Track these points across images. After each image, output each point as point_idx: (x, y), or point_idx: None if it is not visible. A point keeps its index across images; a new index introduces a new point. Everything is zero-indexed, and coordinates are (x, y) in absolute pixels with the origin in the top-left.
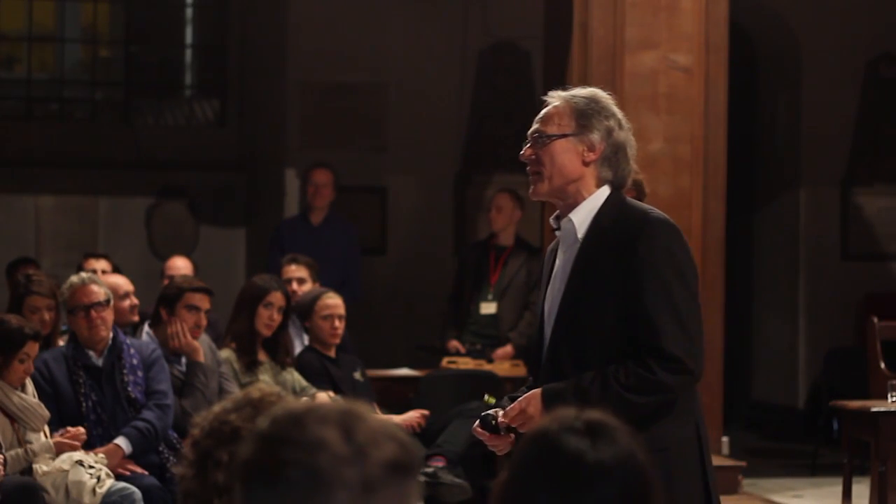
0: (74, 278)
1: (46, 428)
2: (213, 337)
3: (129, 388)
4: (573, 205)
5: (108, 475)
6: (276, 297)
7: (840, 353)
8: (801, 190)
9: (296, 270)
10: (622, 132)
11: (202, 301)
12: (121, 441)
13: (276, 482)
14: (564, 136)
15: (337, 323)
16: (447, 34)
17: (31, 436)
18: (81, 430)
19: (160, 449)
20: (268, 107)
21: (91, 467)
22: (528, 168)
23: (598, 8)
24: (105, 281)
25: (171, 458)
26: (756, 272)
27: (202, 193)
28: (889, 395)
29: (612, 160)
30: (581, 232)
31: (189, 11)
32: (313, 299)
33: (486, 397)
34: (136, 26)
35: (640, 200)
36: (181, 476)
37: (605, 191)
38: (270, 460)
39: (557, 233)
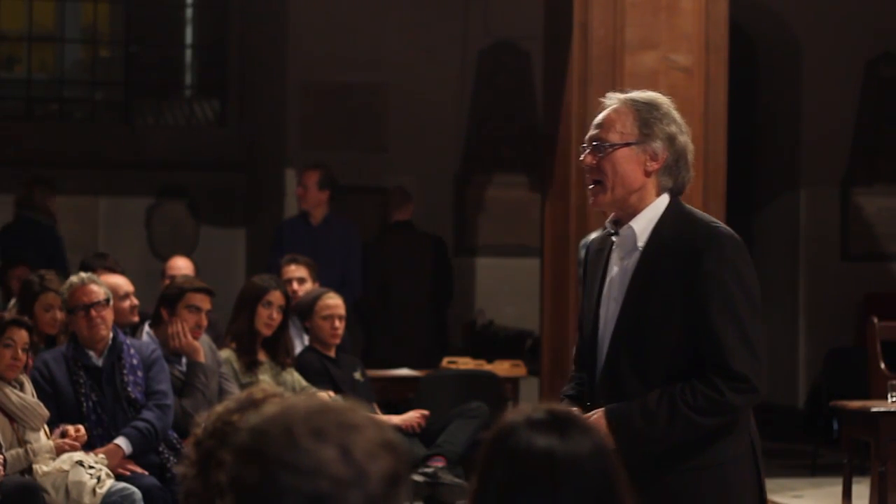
0: (74, 278)
1: (46, 428)
2: (213, 337)
3: (129, 389)
4: (633, 213)
5: (108, 475)
6: (276, 296)
7: (840, 353)
8: (801, 190)
9: (296, 270)
10: (683, 137)
11: (203, 301)
12: (121, 441)
13: None
14: (627, 144)
15: (337, 323)
16: (447, 34)
17: (31, 436)
18: (81, 429)
19: (160, 449)
20: (268, 107)
21: (91, 467)
22: (587, 175)
23: (598, 8)
24: (105, 281)
25: (172, 458)
26: (756, 272)
27: (202, 193)
28: (889, 395)
29: (674, 168)
30: (641, 241)
31: (189, 11)
32: (314, 299)
33: None
34: (136, 26)
35: None
36: (183, 476)
37: (664, 199)
38: (268, 485)
39: (615, 238)
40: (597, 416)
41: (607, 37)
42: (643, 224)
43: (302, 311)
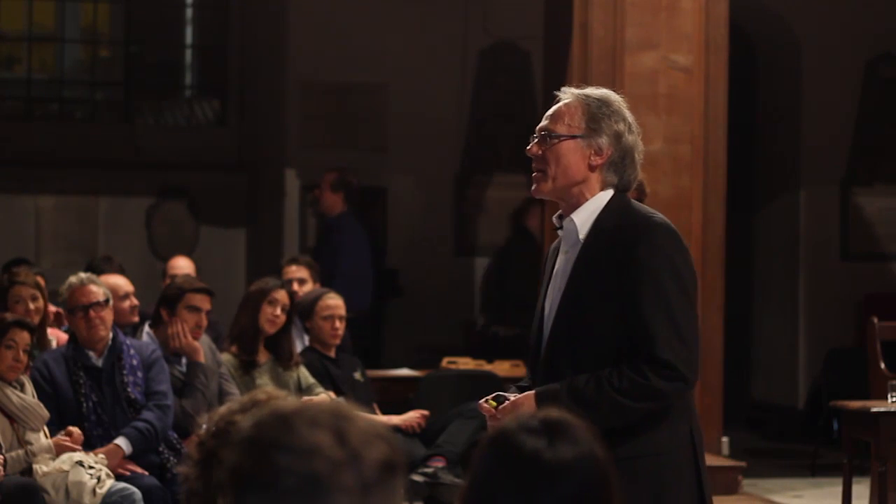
0: (73, 278)
1: (46, 428)
2: (213, 337)
3: (129, 389)
4: (575, 205)
5: (108, 475)
6: (281, 295)
7: (840, 353)
8: (801, 190)
9: (296, 271)
10: (631, 136)
11: (203, 302)
12: (121, 441)
13: (271, 490)
14: (573, 137)
15: (337, 323)
16: (447, 34)
17: (31, 436)
18: (78, 431)
19: (160, 449)
20: (268, 107)
21: (91, 468)
22: (532, 164)
23: (598, 8)
24: (105, 281)
25: (172, 458)
26: (756, 272)
27: (202, 193)
28: (889, 395)
29: (619, 165)
30: (583, 233)
31: (189, 11)
32: (314, 300)
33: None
34: (136, 26)
35: (640, 201)
36: (185, 476)
37: (608, 192)
38: (265, 468)
39: (559, 232)
40: (527, 396)
41: (607, 37)
42: (584, 216)
43: (303, 312)
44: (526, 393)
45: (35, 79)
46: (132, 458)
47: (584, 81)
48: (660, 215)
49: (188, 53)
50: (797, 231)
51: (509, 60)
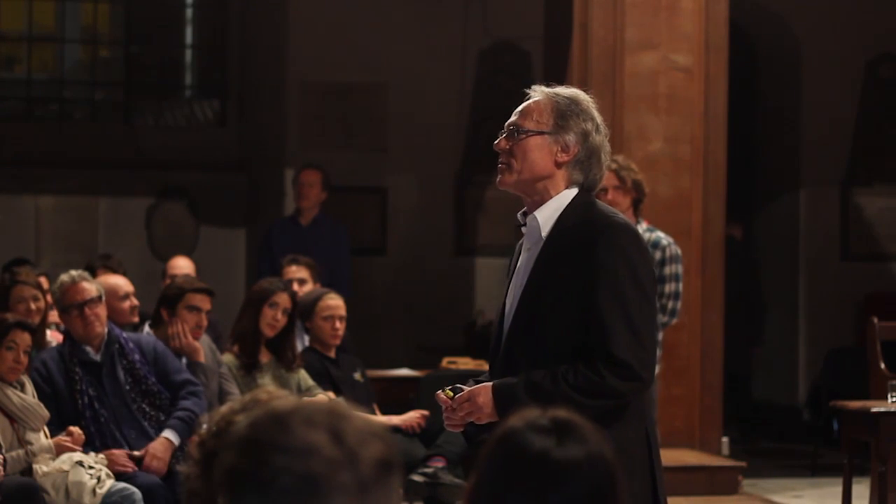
0: (65, 277)
1: (46, 428)
2: (213, 337)
3: (150, 382)
4: (539, 202)
5: (108, 475)
6: (282, 298)
7: (840, 353)
8: (801, 190)
9: (296, 271)
10: (598, 136)
11: (203, 301)
12: (169, 434)
13: (268, 490)
14: (540, 133)
15: (338, 324)
16: (447, 34)
17: (31, 436)
18: (78, 431)
19: None
20: (268, 107)
21: (91, 468)
22: (499, 158)
23: (598, 8)
24: (105, 281)
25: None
26: (756, 272)
27: (202, 193)
28: (889, 395)
29: (585, 164)
30: (545, 231)
31: (189, 11)
32: (314, 300)
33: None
34: (136, 26)
35: (640, 201)
36: (186, 476)
37: (572, 191)
38: (261, 468)
39: (523, 229)
40: (484, 387)
41: (607, 37)
42: (548, 214)
43: (303, 312)
44: (483, 384)
45: (35, 79)
46: (131, 457)
47: (584, 81)
48: (621, 216)
49: (188, 53)
50: (797, 231)
51: (509, 60)
